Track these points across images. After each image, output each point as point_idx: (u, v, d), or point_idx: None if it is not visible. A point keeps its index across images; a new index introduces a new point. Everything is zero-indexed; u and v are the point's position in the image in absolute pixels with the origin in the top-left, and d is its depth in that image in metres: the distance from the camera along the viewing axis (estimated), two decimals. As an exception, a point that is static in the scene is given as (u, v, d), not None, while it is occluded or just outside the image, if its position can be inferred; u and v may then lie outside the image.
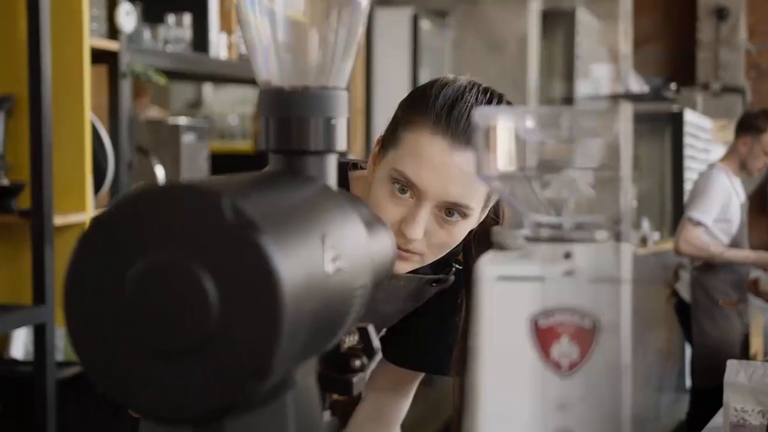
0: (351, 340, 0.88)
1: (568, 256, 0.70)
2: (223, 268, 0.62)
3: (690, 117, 7.11)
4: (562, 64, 7.30)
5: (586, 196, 0.73)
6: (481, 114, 0.72)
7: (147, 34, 2.94)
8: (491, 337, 0.70)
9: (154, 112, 4.56)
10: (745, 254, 4.35)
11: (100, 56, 2.66)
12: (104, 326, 0.64)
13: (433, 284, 1.44)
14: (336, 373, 0.87)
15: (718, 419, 2.15)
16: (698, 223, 4.21)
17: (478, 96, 1.27)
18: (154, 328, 0.63)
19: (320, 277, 0.68)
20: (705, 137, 7.63)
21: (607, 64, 5.52)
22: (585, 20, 7.49)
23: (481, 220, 1.34)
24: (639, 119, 5.87)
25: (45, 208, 2.35)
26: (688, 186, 7.15)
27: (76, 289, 0.64)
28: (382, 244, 0.87)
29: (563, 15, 7.07)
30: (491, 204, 1.35)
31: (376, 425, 1.54)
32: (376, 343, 0.89)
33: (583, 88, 5.56)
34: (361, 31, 0.85)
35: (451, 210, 1.26)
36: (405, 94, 1.38)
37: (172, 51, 3.01)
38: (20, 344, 2.76)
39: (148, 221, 0.63)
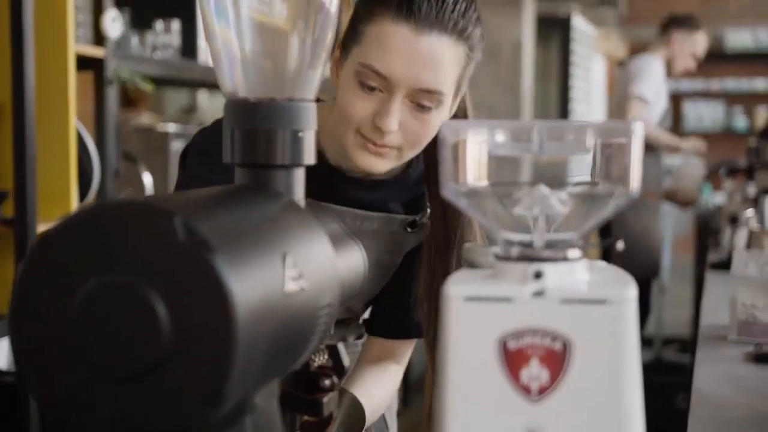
0: (320, 358, 0.85)
1: (538, 275, 0.68)
2: (175, 290, 0.59)
3: (578, 23, 7.13)
4: (558, 70, 7.30)
5: (559, 212, 0.70)
6: (448, 128, 0.69)
7: (135, 40, 2.91)
8: (459, 359, 0.68)
9: (146, 118, 4.53)
10: (678, 140, 4.37)
11: (86, 63, 2.63)
12: (52, 348, 0.61)
13: (408, 229, 1.41)
14: (305, 393, 0.85)
15: (723, 317, 2.01)
16: (640, 98, 4.19)
17: None
18: (103, 351, 0.60)
19: (279, 297, 0.65)
20: (589, 45, 7.71)
21: None
22: (580, 26, 7.49)
23: (453, 112, 1.33)
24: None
25: (28, 217, 2.32)
26: (573, 94, 7.20)
27: (22, 310, 0.61)
28: (351, 259, 0.84)
29: (558, 21, 7.07)
30: (462, 93, 1.33)
31: (379, 386, 1.46)
32: (347, 361, 0.86)
33: None
34: (330, 39, 0.83)
35: (422, 102, 1.24)
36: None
37: (160, 57, 2.99)
38: (4, 354, 2.72)
39: (98, 240, 0.61)
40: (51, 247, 0.61)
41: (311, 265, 0.71)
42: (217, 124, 1.40)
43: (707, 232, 4.73)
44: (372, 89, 1.24)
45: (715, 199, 8.98)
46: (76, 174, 2.52)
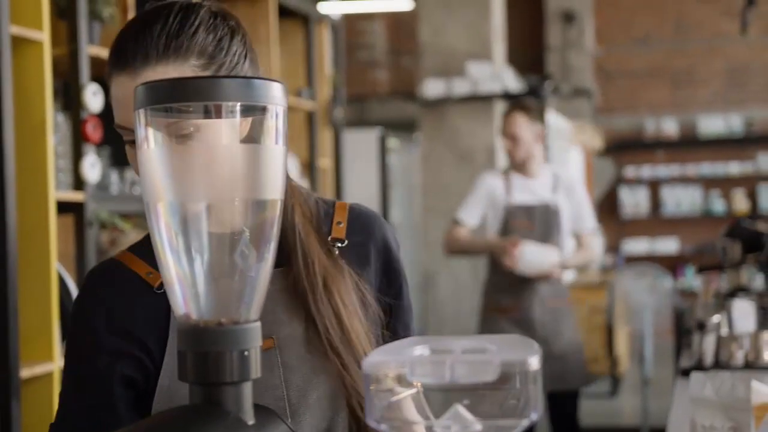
0: None
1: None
2: None
3: (552, 119, 7.31)
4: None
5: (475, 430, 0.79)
6: (369, 364, 0.78)
7: (114, 176, 3.02)
8: None
9: (134, 237, 4.62)
10: (482, 240, 4.21)
11: (66, 207, 2.74)
12: None
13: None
14: None
15: None
16: (456, 222, 4.17)
17: (147, 13, 1.24)
18: None
19: None
20: (564, 138, 7.86)
21: (484, 62, 5.50)
22: (555, 121, 7.67)
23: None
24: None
25: (11, 363, 2.39)
26: None
27: None
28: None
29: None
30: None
31: None
32: None
33: (460, 86, 5.55)
34: (268, 269, 0.92)
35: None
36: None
37: (139, 193, 3.10)
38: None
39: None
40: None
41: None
42: (107, 264, 1.33)
43: (682, 326, 4.79)
44: (133, 143, 1.22)
45: (696, 283, 9.13)
46: (58, 315, 2.60)
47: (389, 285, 1.38)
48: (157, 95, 0.89)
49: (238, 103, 0.89)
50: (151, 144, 0.90)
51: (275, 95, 0.91)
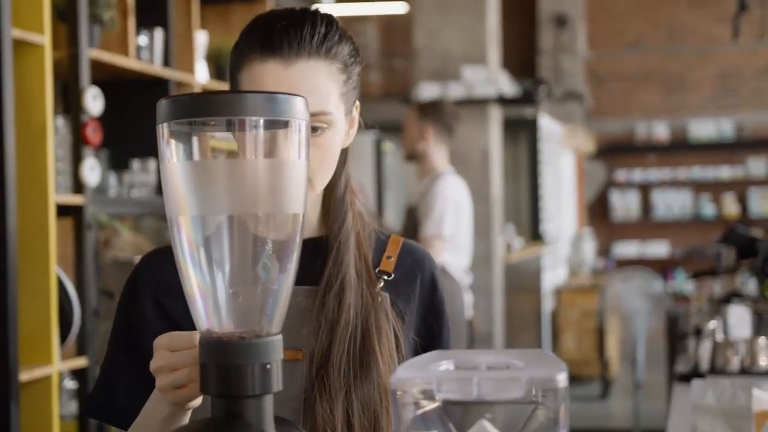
0: None
1: None
2: None
3: (544, 122, 7.35)
4: (527, 169, 7.48)
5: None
6: (396, 379, 0.79)
7: (113, 179, 3.02)
8: None
9: (127, 237, 4.59)
10: None
11: (66, 209, 2.73)
12: None
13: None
14: None
15: None
16: None
17: (293, 10, 1.28)
18: None
19: None
20: (556, 142, 7.91)
21: (479, 66, 5.56)
22: (547, 125, 7.69)
23: (355, 125, 1.34)
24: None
25: (11, 366, 2.38)
26: (544, 191, 7.37)
27: None
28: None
29: (525, 122, 7.27)
30: (355, 105, 1.33)
31: None
32: None
33: (455, 89, 5.61)
34: (290, 282, 0.92)
35: (312, 125, 1.22)
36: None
37: (137, 196, 3.10)
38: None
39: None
40: None
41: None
42: (162, 250, 1.34)
43: (676, 329, 4.81)
44: None
45: (687, 286, 9.16)
46: (57, 318, 2.60)
47: (431, 324, 1.38)
48: (180, 109, 0.89)
49: (262, 118, 0.89)
50: (174, 158, 0.90)
51: (298, 110, 0.91)
